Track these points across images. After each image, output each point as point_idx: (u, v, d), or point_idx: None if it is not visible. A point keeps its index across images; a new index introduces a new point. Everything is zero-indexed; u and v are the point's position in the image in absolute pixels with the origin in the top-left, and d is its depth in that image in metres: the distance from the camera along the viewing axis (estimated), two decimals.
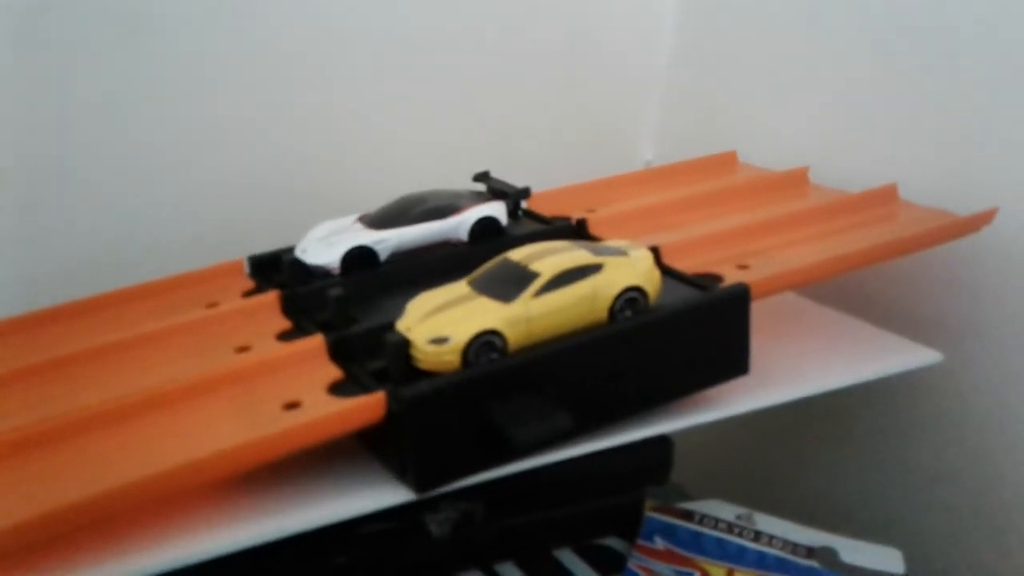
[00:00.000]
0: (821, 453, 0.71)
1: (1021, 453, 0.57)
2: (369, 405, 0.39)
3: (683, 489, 0.60)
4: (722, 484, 0.66)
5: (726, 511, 0.55)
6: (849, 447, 0.68)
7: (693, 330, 0.45)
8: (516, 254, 0.45)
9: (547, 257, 0.44)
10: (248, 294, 0.52)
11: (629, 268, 0.44)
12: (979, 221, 0.53)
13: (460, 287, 0.45)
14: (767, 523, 0.54)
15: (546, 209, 0.59)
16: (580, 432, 0.44)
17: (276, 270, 0.53)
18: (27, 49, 0.60)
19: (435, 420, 0.40)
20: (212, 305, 0.51)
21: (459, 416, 0.40)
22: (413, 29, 0.71)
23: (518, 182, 0.60)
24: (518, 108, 0.77)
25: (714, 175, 0.66)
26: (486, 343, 0.41)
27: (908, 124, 0.61)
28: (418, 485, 0.41)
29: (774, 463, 0.75)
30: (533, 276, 0.43)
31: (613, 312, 0.44)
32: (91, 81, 0.62)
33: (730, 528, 0.54)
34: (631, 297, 0.44)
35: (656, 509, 0.54)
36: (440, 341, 0.41)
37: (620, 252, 0.46)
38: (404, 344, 0.41)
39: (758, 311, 0.48)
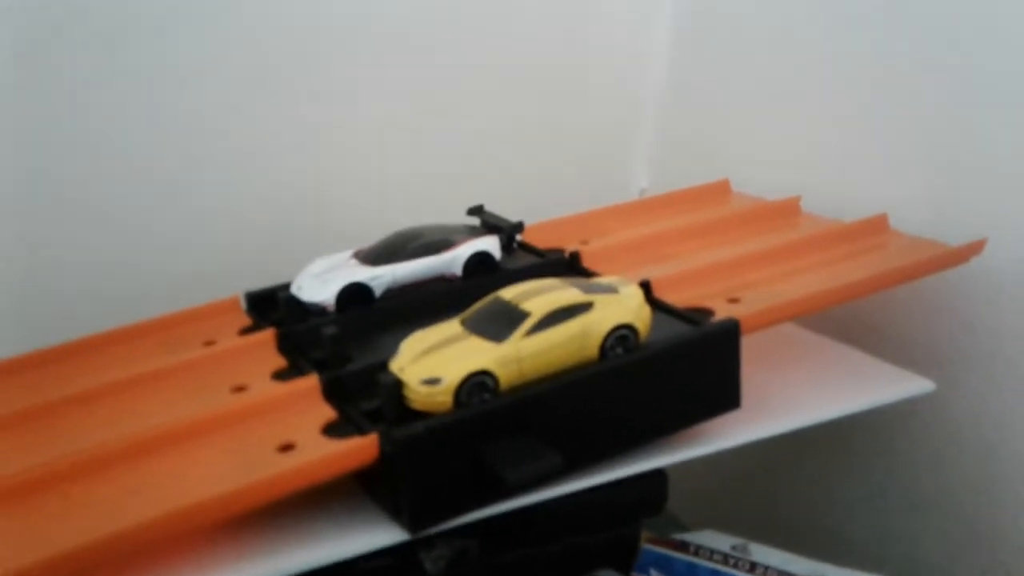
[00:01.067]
0: (816, 481, 0.71)
1: (1014, 479, 0.58)
2: (363, 447, 0.40)
3: (678, 518, 0.60)
4: (718, 512, 0.67)
5: (721, 542, 0.55)
6: (843, 474, 0.68)
7: (684, 366, 0.46)
8: (508, 292, 0.46)
9: (538, 296, 0.44)
10: (245, 331, 0.52)
11: (619, 306, 0.45)
12: (968, 252, 0.54)
13: (452, 326, 0.45)
14: (762, 553, 0.54)
15: (540, 241, 0.60)
16: (572, 470, 0.44)
17: (273, 307, 0.54)
18: (21, 87, 0.60)
19: (428, 461, 0.40)
20: (210, 343, 0.51)
21: (452, 456, 0.41)
22: (407, 63, 0.71)
23: (514, 210, 0.61)
24: (514, 136, 0.78)
25: (707, 204, 0.67)
26: (478, 383, 0.42)
27: (899, 154, 0.62)
28: (412, 525, 0.41)
29: (769, 491, 0.75)
30: (524, 316, 0.43)
31: (604, 350, 0.44)
32: (85, 117, 0.62)
33: (725, 559, 0.54)
34: (622, 335, 0.44)
35: (651, 541, 0.55)
36: (433, 382, 0.41)
37: (610, 289, 0.46)
38: (397, 385, 0.42)
39: (750, 339, 0.48)
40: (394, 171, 0.73)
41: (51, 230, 0.63)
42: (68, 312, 0.62)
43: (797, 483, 0.72)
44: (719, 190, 0.69)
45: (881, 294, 0.61)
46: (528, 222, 0.61)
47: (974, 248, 0.54)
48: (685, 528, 0.57)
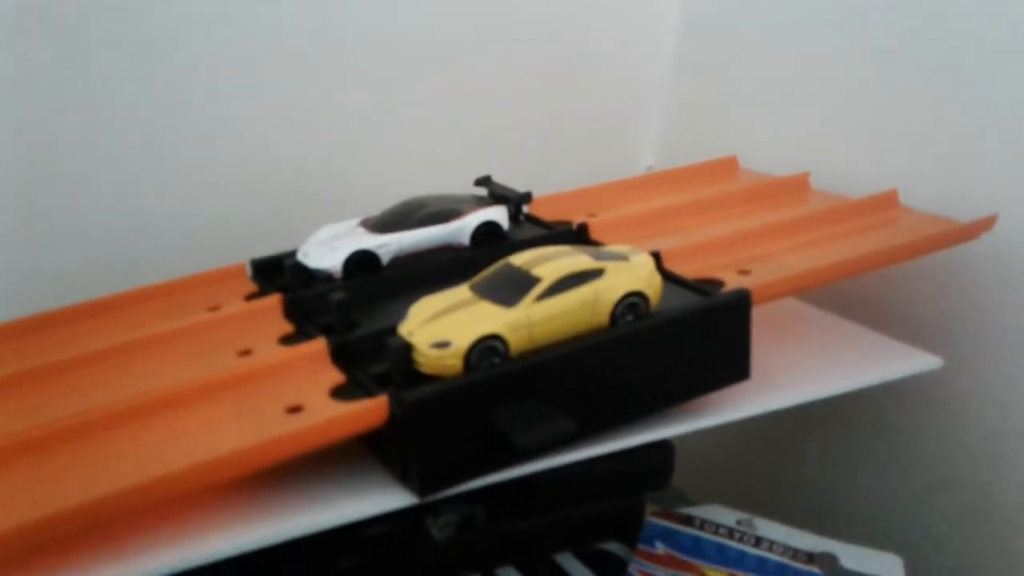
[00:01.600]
0: (822, 457, 0.71)
1: (1018, 457, 0.58)
2: (371, 409, 0.39)
3: (684, 493, 0.60)
4: (723, 488, 0.66)
5: (726, 516, 0.55)
6: (850, 451, 0.68)
7: (694, 335, 0.46)
8: (518, 259, 0.45)
9: (549, 262, 0.44)
10: (250, 298, 0.52)
11: (630, 273, 0.44)
12: (979, 228, 0.54)
13: (462, 291, 0.45)
14: (767, 528, 0.54)
15: (548, 213, 0.60)
16: (581, 436, 0.44)
17: (278, 274, 0.53)
18: (27, 52, 0.60)
19: (437, 424, 0.40)
20: (214, 308, 0.51)
21: (461, 420, 0.41)
22: (414, 34, 0.71)
23: (520, 187, 0.60)
24: (520, 113, 0.77)
25: (715, 180, 0.66)
26: (488, 347, 0.41)
27: (909, 130, 0.61)
28: (420, 489, 0.41)
29: (775, 467, 0.75)
30: (535, 281, 0.43)
31: (614, 317, 0.44)
32: (93, 85, 0.62)
33: (730, 533, 0.54)
34: (632, 302, 0.44)
35: (656, 514, 0.55)
36: (442, 345, 0.41)
37: (621, 257, 0.46)
38: (406, 348, 0.41)
39: (759, 315, 0.48)
40: (403, 143, 0.73)
41: (55, 200, 0.63)
42: (73, 281, 0.61)
43: (803, 459, 0.72)
44: (727, 166, 0.68)
45: (889, 271, 0.60)
46: (537, 196, 0.61)
47: (984, 224, 0.54)
48: (691, 502, 0.57)
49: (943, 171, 0.59)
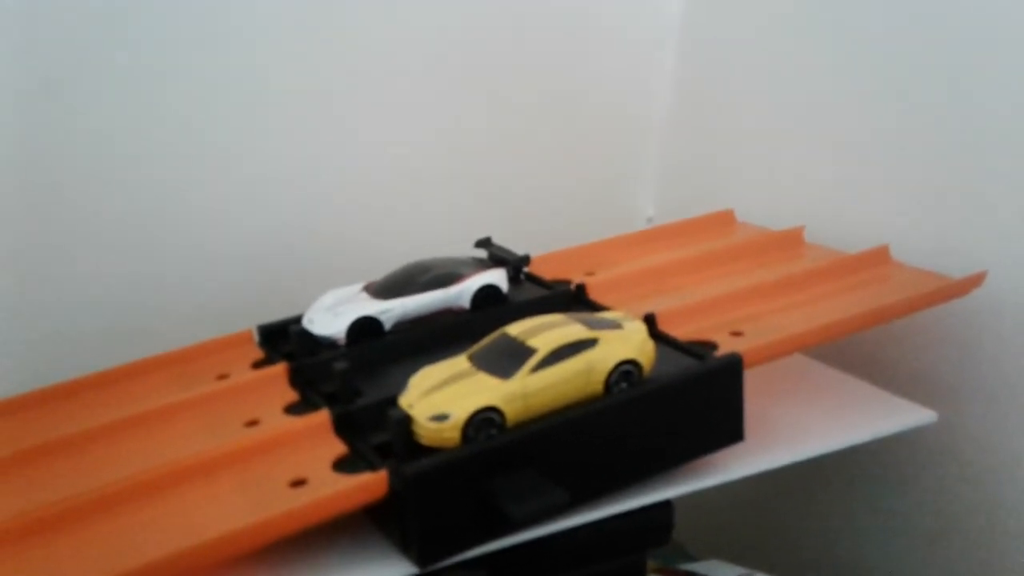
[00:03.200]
0: (820, 509, 0.71)
1: (1017, 508, 0.58)
2: (373, 483, 0.41)
3: (684, 547, 0.61)
4: (723, 539, 0.67)
5: (727, 571, 0.56)
6: (849, 503, 0.69)
7: (687, 400, 0.47)
8: (514, 328, 0.47)
9: (544, 332, 0.45)
10: (258, 364, 0.54)
11: (624, 342, 0.46)
12: (969, 284, 0.55)
13: (460, 362, 0.46)
14: None
15: (547, 272, 0.61)
16: (578, 504, 0.45)
17: (284, 339, 0.55)
18: (29, 118, 0.61)
19: (436, 496, 0.41)
20: (223, 376, 0.52)
21: (460, 491, 0.42)
22: (411, 95, 0.73)
23: (522, 237, 0.62)
24: (519, 166, 0.79)
25: (712, 234, 0.67)
26: (485, 419, 0.42)
27: (901, 182, 0.62)
28: (421, 559, 0.42)
29: (774, 519, 0.75)
30: (530, 352, 0.44)
31: (608, 385, 0.45)
32: (95, 151, 0.63)
33: None
34: (626, 370, 0.45)
35: (658, 571, 0.55)
36: (441, 418, 0.42)
37: (615, 325, 0.47)
38: (406, 421, 0.43)
39: (753, 368, 0.49)
40: (402, 204, 0.74)
41: (61, 265, 0.64)
42: (79, 348, 0.63)
43: (803, 512, 0.73)
44: (723, 220, 0.70)
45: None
46: (536, 249, 0.62)
47: (974, 280, 0.55)
48: (692, 557, 0.58)
49: (934, 225, 0.60)
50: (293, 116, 0.69)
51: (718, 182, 0.79)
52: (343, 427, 0.45)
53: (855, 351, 0.64)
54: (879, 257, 0.60)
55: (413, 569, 0.42)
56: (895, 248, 0.60)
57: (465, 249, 0.61)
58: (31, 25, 0.59)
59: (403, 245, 0.61)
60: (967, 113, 0.58)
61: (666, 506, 0.51)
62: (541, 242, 0.63)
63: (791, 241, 0.64)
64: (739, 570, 0.56)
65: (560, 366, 0.44)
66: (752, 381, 0.49)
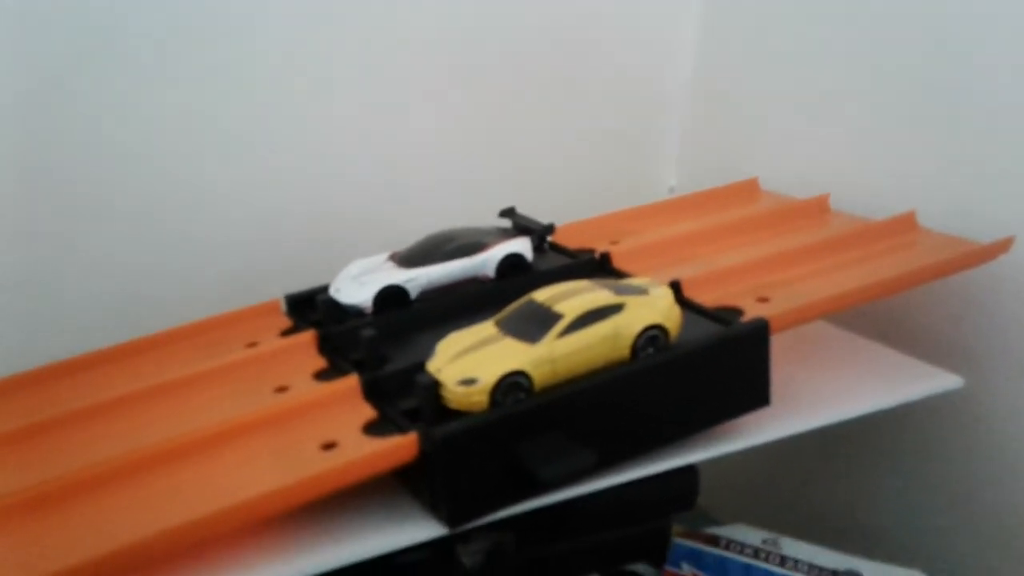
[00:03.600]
0: (846, 475, 0.71)
1: None
2: (403, 445, 0.41)
3: (709, 512, 0.61)
4: (748, 506, 0.67)
5: (752, 536, 0.56)
6: (873, 469, 0.69)
7: (713, 365, 0.47)
8: (540, 295, 0.47)
9: (570, 298, 0.46)
10: (286, 333, 0.54)
11: (650, 307, 0.46)
12: (996, 249, 0.54)
13: (487, 328, 0.46)
14: (792, 547, 0.55)
15: (571, 241, 0.61)
16: (604, 467, 0.45)
17: (312, 309, 0.55)
18: (53, 99, 0.62)
19: (465, 458, 0.42)
20: (252, 345, 0.53)
21: (488, 454, 0.42)
22: (437, 67, 0.73)
23: (546, 209, 0.62)
24: (543, 138, 0.79)
25: (736, 203, 0.67)
26: (513, 383, 0.43)
27: (926, 149, 0.62)
28: (450, 520, 0.42)
29: (799, 485, 0.75)
30: (557, 317, 0.45)
31: (635, 350, 0.45)
32: (126, 120, 0.64)
33: (756, 553, 0.55)
34: (652, 335, 0.45)
35: (683, 535, 0.56)
36: (469, 382, 0.43)
37: (641, 291, 0.47)
38: (435, 385, 0.43)
39: (780, 336, 0.49)
40: (428, 176, 0.74)
41: (92, 236, 0.65)
42: (110, 317, 0.64)
43: (827, 477, 0.73)
44: (748, 189, 0.69)
45: (909, 290, 0.61)
46: (560, 221, 0.62)
47: (1002, 246, 0.54)
48: (716, 522, 0.58)
49: (961, 191, 0.60)
50: (321, 89, 0.69)
51: (740, 152, 0.78)
52: (372, 392, 0.46)
53: (881, 318, 0.63)
54: (905, 223, 0.59)
55: (443, 530, 0.43)
56: (921, 214, 0.60)
57: (490, 220, 0.62)
58: (36, 14, 0.60)
59: (428, 216, 0.61)
60: (992, 81, 0.57)
61: (691, 471, 0.51)
62: (564, 212, 0.63)
63: (816, 209, 0.64)
64: (764, 534, 0.56)
65: (587, 331, 0.44)
66: (778, 347, 0.49)
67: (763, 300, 0.52)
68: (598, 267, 0.58)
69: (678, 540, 0.55)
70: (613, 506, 0.51)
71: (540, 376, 0.43)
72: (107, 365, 0.53)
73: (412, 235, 0.58)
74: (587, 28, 0.78)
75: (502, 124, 0.77)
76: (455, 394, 0.43)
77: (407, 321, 0.53)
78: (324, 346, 0.51)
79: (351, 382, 0.46)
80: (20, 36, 0.60)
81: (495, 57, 0.75)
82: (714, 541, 0.56)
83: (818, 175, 0.69)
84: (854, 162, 0.67)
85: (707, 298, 0.51)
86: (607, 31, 0.79)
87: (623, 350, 0.45)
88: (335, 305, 0.54)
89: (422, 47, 0.72)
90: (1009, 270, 0.56)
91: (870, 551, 0.55)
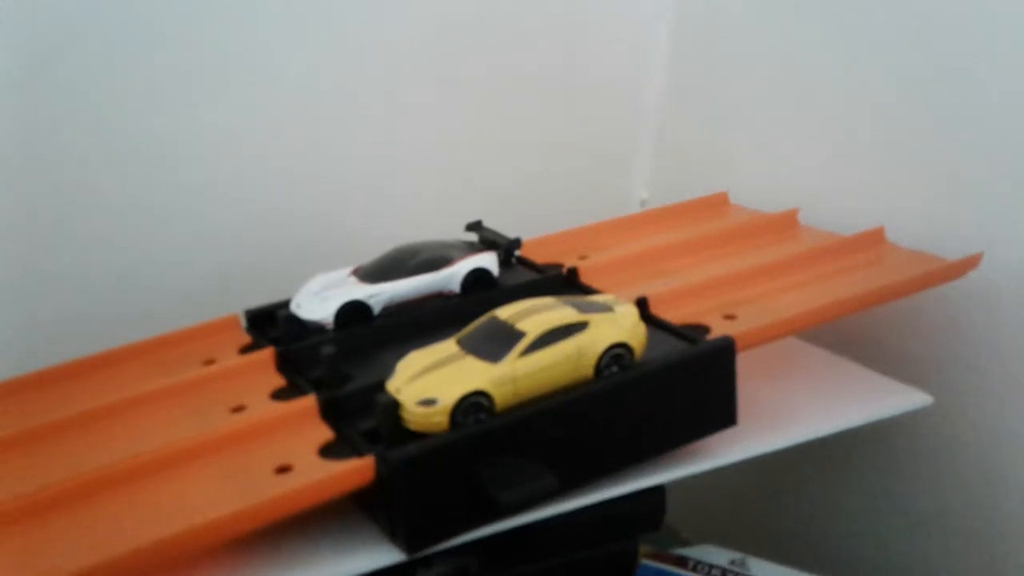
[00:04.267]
0: (814, 494, 0.71)
1: (1012, 492, 0.58)
2: (359, 469, 0.40)
3: (678, 532, 0.61)
4: (716, 525, 0.67)
5: (720, 556, 0.55)
6: (842, 488, 0.69)
7: (679, 384, 0.46)
8: (503, 312, 0.46)
9: (533, 316, 0.45)
10: (245, 349, 0.53)
11: (614, 325, 0.45)
12: (965, 266, 0.54)
13: (449, 346, 0.45)
14: (760, 568, 0.54)
15: (539, 256, 0.60)
16: (568, 489, 0.44)
17: (272, 324, 0.54)
18: (24, 103, 0.60)
19: (424, 482, 0.41)
20: (209, 362, 0.52)
21: (447, 477, 0.41)
22: (402, 77, 0.72)
23: (516, 221, 0.61)
24: (513, 149, 0.78)
25: (705, 217, 0.67)
26: (474, 404, 0.42)
27: (896, 165, 0.62)
28: (409, 545, 0.41)
29: (767, 504, 0.75)
30: (519, 335, 0.44)
31: (599, 369, 0.44)
32: (86, 134, 0.63)
33: (724, 574, 0.54)
34: (616, 354, 0.45)
35: (650, 555, 0.55)
36: (429, 403, 0.41)
37: (606, 308, 0.46)
38: (394, 406, 0.42)
39: (747, 351, 0.48)
40: (392, 187, 0.73)
41: (48, 250, 0.63)
42: (65, 332, 0.62)
43: (796, 496, 0.72)
44: (717, 203, 0.69)
45: (878, 306, 0.61)
46: (530, 233, 0.61)
47: (970, 263, 0.54)
48: (685, 542, 0.57)
49: (930, 207, 0.60)
50: (280, 101, 0.68)
51: (712, 166, 0.78)
52: (330, 413, 0.45)
53: (850, 334, 0.63)
54: (874, 239, 0.59)
55: (401, 556, 0.42)
56: (891, 231, 0.59)
57: (457, 234, 0.61)
58: (31, 9, 0.58)
59: (393, 229, 0.60)
60: (963, 97, 0.57)
61: (658, 491, 0.50)
62: (534, 226, 0.62)
63: (785, 224, 0.64)
64: (732, 555, 0.55)
65: (550, 350, 0.43)
66: (745, 364, 0.48)
67: (730, 317, 0.51)
68: (566, 282, 0.57)
69: (645, 561, 0.55)
70: (579, 527, 0.50)
71: (502, 396, 0.42)
72: (59, 383, 0.51)
73: (377, 248, 0.57)
74: (560, 40, 0.77)
75: (471, 136, 0.76)
76: (415, 415, 0.42)
77: (369, 337, 0.52)
78: (283, 364, 0.50)
79: (308, 402, 0.45)
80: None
81: (465, 69, 0.74)
82: (682, 562, 0.55)
83: (789, 190, 0.68)
84: (824, 177, 0.67)
85: (674, 315, 0.51)
86: (580, 43, 0.78)
87: (587, 369, 0.44)
88: (296, 321, 0.53)
89: (391, 62, 0.71)
90: (978, 287, 0.56)
91: (838, 570, 0.54)
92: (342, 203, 0.72)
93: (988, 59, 0.55)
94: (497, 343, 0.44)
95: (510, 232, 0.60)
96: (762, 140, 0.73)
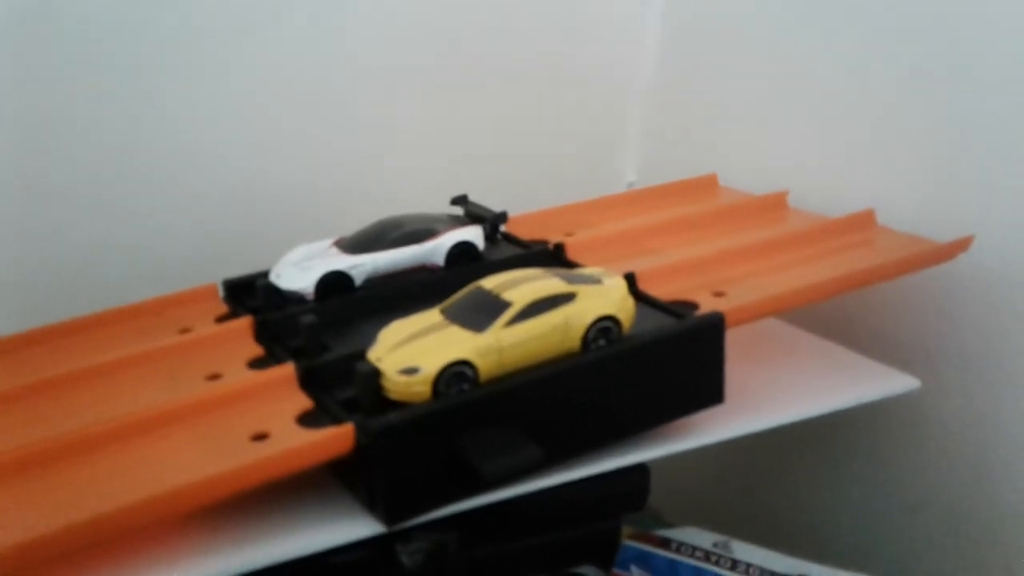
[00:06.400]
0: (800, 477, 0.71)
1: (999, 477, 0.57)
2: (337, 437, 0.39)
3: (660, 513, 0.60)
4: (700, 507, 0.66)
5: (703, 538, 0.54)
6: (827, 471, 0.68)
7: (667, 359, 0.45)
8: (489, 282, 0.45)
9: (520, 286, 0.44)
10: (222, 319, 0.52)
11: (602, 297, 0.44)
12: (955, 248, 0.54)
13: (432, 315, 0.44)
14: (744, 551, 0.54)
15: (525, 232, 0.59)
16: (552, 463, 0.43)
17: (250, 295, 0.53)
18: (9, 76, 0.59)
19: (404, 452, 0.40)
20: (185, 330, 0.51)
21: (429, 448, 0.40)
22: (391, 51, 0.71)
23: (502, 202, 0.60)
24: (501, 130, 0.77)
25: (694, 199, 0.66)
26: (457, 374, 0.41)
27: (887, 148, 0.61)
28: (388, 518, 0.40)
29: (751, 487, 0.74)
30: (505, 305, 0.43)
31: (586, 341, 0.43)
32: (72, 104, 0.62)
33: (707, 556, 0.53)
34: (604, 327, 0.44)
35: (633, 536, 0.54)
36: (410, 371, 0.40)
37: (594, 280, 0.45)
38: (374, 374, 0.41)
39: (735, 334, 0.47)
40: (378, 161, 0.72)
41: (23, 219, 0.62)
42: (47, 299, 0.61)
43: (781, 480, 0.72)
44: (706, 184, 0.68)
45: (867, 290, 0.60)
46: (515, 214, 0.60)
47: (961, 245, 0.54)
48: (668, 524, 0.56)
49: (920, 191, 0.59)
50: (265, 72, 0.67)
51: (701, 148, 0.77)
52: (309, 381, 0.44)
53: (840, 319, 0.63)
54: (864, 221, 0.58)
55: (380, 528, 0.40)
56: (881, 214, 0.59)
57: (443, 208, 0.60)
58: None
59: (378, 204, 0.59)
60: (953, 78, 0.57)
61: (642, 469, 0.50)
62: (521, 205, 0.62)
63: (774, 205, 0.63)
64: (715, 537, 0.55)
65: (536, 320, 0.42)
66: (733, 346, 0.47)
67: (719, 295, 0.50)
68: (551, 258, 0.56)
69: (627, 542, 0.54)
70: (560, 505, 0.49)
71: (486, 366, 0.41)
72: (34, 347, 0.50)
73: (361, 222, 0.56)
74: (550, 22, 0.76)
75: (460, 113, 0.75)
76: (396, 384, 0.41)
77: (350, 309, 0.51)
78: (261, 333, 0.49)
79: (286, 370, 0.44)
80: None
81: (455, 48, 0.73)
82: (664, 544, 0.54)
83: (778, 172, 0.68)
84: (814, 160, 0.67)
85: (662, 291, 0.50)
86: (569, 25, 0.78)
87: (573, 341, 0.43)
88: (275, 291, 0.51)
89: (381, 38, 0.70)
90: (968, 270, 0.56)
91: (823, 555, 0.54)
92: (326, 177, 0.70)
93: (978, 41, 0.55)
94: (482, 313, 0.43)
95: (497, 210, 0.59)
96: (751, 123, 0.72)
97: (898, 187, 0.60)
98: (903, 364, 0.54)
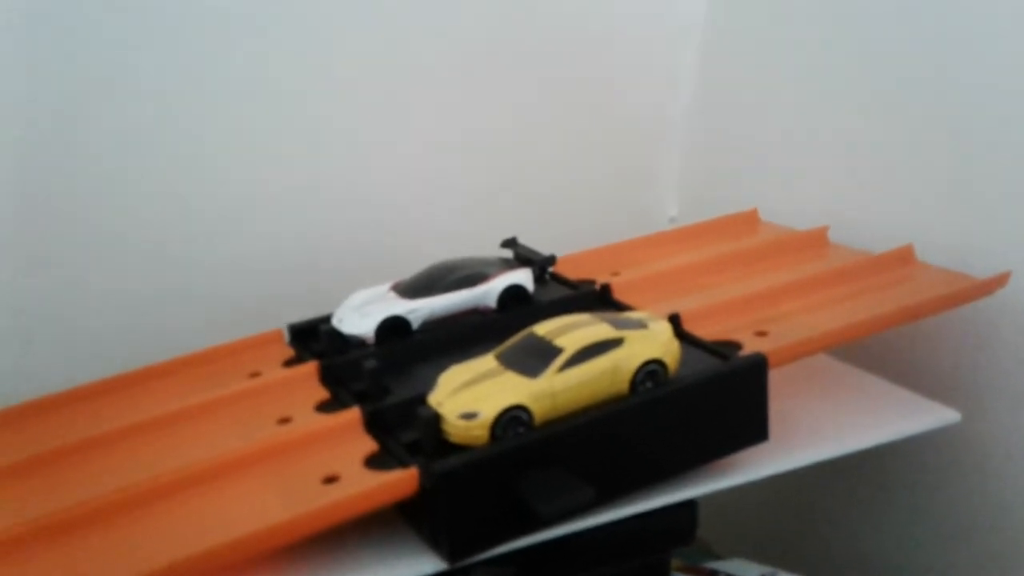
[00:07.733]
0: (843, 508, 0.71)
1: None
2: (403, 480, 0.41)
3: (709, 545, 0.61)
4: (748, 539, 0.67)
5: (750, 570, 0.56)
6: (871, 503, 0.69)
7: (712, 400, 0.47)
8: (541, 328, 0.47)
9: (570, 332, 0.46)
10: (288, 363, 0.54)
11: (649, 341, 0.46)
12: (994, 284, 0.55)
13: (488, 361, 0.47)
14: None
15: (572, 272, 0.61)
16: (604, 502, 0.45)
17: (314, 338, 0.56)
18: (43, 120, 0.62)
19: (465, 493, 0.42)
20: (255, 375, 0.53)
21: (488, 489, 0.42)
22: (436, 96, 0.73)
23: (546, 239, 0.62)
24: (542, 169, 0.79)
25: (736, 234, 0.68)
26: (513, 418, 0.43)
27: (926, 184, 0.62)
28: (451, 555, 0.43)
29: (798, 518, 0.75)
30: (557, 351, 0.45)
31: (634, 384, 0.46)
32: (131, 153, 0.65)
33: None
34: (651, 370, 0.46)
35: (682, 569, 0.56)
36: (470, 416, 0.43)
37: (640, 325, 0.47)
38: (435, 419, 0.43)
39: (778, 368, 0.49)
40: (427, 205, 0.75)
41: (89, 269, 0.65)
42: (110, 346, 0.63)
43: (826, 511, 0.73)
44: (747, 220, 0.70)
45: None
46: (561, 251, 0.62)
47: (999, 280, 0.55)
48: (716, 556, 0.58)
49: (959, 224, 0.60)
50: (317, 118, 0.70)
51: (741, 182, 0.79)
52: (374, 425, 0.46)
53: (879, 351, 0.64)
54: (903, 257, 0.60)
55: (443, 565, 0.43)
56: (919, 248, 0.60)
57: (491, 250, 0.62)
58: (37, 31, 0.60)
59: (429, 246, 0.61)
60: (990, 113, 0.58)
61: (691, 505, 0.51)
62: (564, 243, 0.64)
63: (815, 241, 0.65)
64: (763, 569, 0.56)
65: (587, 365, 0.45)
66: (776, 381, 0.49)
67: (761, 334, 0.52)
68: (599, 299, 0.58)
69: (677, 574, 0.55)
70: (613, 540, 0.51)
71: (540, 410, 0.44)
72: (107, 396, 0.53)
73: (414, 264, 0.58)
74: (588, 58, 0.79)
75: (503, 154, 0.77)
76: (456, 428, 0.43)
77: (409, 352, 0.54)
78: (326, 377, 0.52)
79: (353, 414, 0.46)
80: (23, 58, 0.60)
81: (496, 88, 0.76)
82: None
83: (818, 206, 0.69)
84: (853, 194, 0.68)
85: (706, 331, 0.52)
86: (608, 61, 0.80)
87: (622, 384, 0.45)
88: (338, 335, 0.54)
89: (423, 79, 0.72)
90: (1007, 304, 0.57)
91: None
92: (379, 222, 0.73)
93: (1017, 81, 0.56)
94: (535, 358, 0.45)
95: (540, 248, 0.61)
96: (791, 158, 0.74)
97: (937, 221, 0.61)
98: (943, 395, 0.55)
